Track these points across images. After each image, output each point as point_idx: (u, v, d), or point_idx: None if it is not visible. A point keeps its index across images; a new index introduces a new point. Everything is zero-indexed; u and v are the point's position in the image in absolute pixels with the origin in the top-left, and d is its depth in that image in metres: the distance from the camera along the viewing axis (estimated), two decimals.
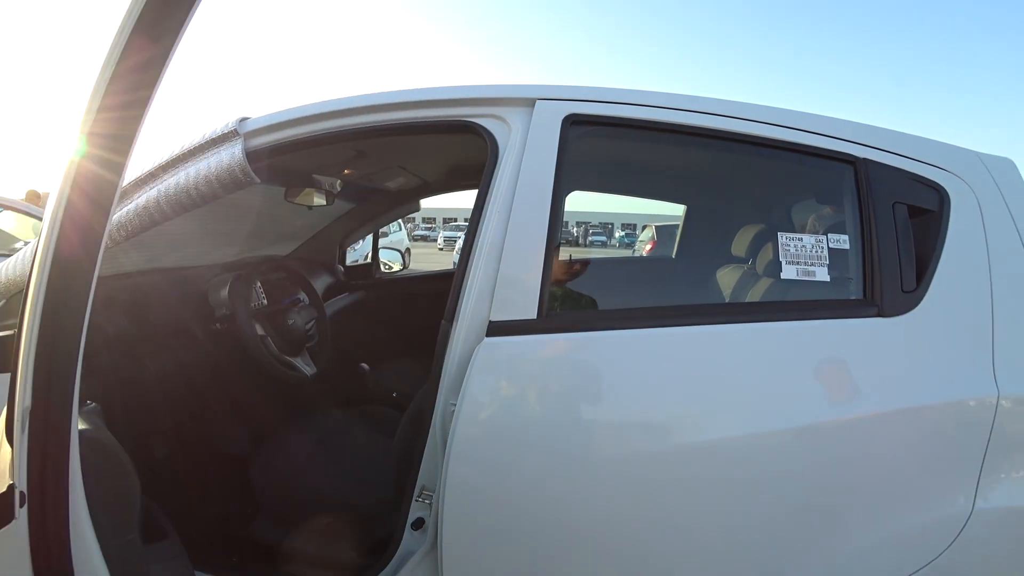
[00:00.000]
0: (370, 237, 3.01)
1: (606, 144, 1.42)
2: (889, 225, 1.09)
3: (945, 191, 1.12)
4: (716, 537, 1.02)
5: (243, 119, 1.20)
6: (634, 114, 1.12)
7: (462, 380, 0.95)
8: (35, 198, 5.19)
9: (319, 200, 2.18)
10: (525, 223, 1.02)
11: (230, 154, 1.12)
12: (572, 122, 1.08)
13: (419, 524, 1.10)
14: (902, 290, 1.06)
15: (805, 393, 1.01)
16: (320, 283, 2.46)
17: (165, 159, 1.19)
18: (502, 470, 0.98)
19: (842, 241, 1.13)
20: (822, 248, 1.14)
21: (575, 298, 1.36)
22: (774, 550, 1.02)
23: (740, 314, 1.20)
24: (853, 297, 1.11)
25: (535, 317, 0.98)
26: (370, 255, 3.13)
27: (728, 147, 1.24)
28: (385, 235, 9.81)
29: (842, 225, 1.19)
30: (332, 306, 2.42)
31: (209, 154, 1.15)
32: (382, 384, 2.19)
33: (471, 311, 1.00)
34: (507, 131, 1.10)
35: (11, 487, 0.54)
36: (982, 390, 1.02)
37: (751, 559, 1.02)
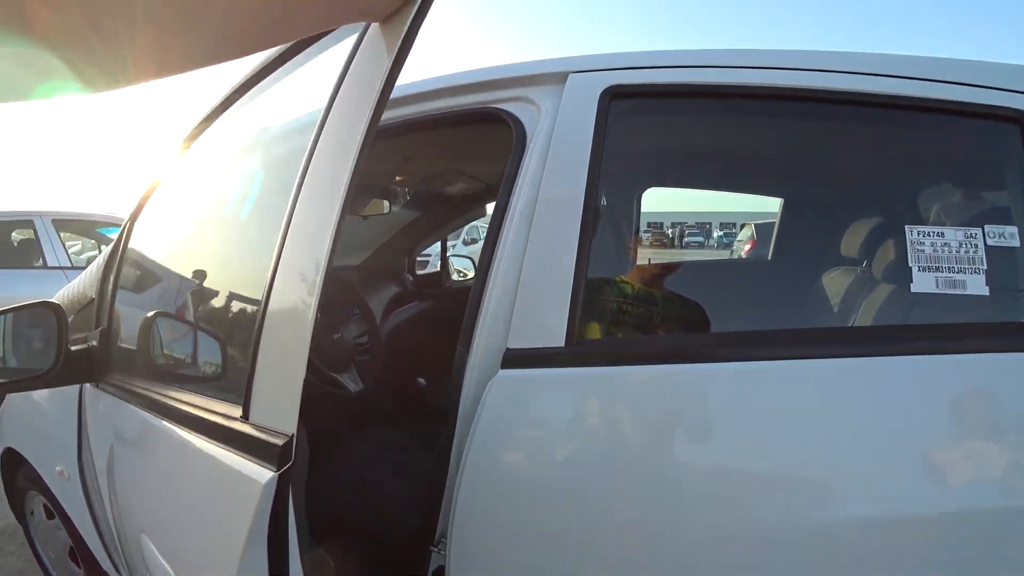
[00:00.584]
0: (460, 244, 3.00)
1: (667, 123, 1.15)
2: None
3: None
4: None
5: None
6: (699, 78, 0.86)
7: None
8: None
9: (378, 210, 2.14)
10: (551, 224, 0.81)
11: None
12: (614, 95, 0.83)
13: (439, 573, 0.95)
14: None
15: (942, 463, 0.68)
16: (386, 293, 2.43)
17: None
18: (510, 535, 0.79)
19: (1008, 236, 0.78)
20: (975, 246, 0.78)
21: (624, 317, 1.06)
22: None
23: (848, 342, 0.86)
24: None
25: (562, 345, 0.76)
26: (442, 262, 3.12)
27: (832, 113, 0.93)
28: (475, 241, 10.00)
29: (1006, 213, 0.84)
30: (397, 317, 2.38)
31: None
32: (442, 399, 2.09)
33: (487, 334, 0.82)
34: (536, 115, 0.91)
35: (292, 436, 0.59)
36: None
37: None
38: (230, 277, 1.06)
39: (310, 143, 0.69)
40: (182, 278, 1.24)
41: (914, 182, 1.17)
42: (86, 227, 4.65)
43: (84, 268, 4.33)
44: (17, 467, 1.68)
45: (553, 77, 0.91)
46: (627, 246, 1.51)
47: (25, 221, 4.10)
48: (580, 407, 0.78)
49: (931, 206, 1.07)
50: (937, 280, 0.75)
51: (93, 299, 1.32)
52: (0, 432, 1.70)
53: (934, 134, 1.01)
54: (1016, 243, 0.78)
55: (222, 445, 0.70)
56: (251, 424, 0.66)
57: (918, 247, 0.78)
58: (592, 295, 0.91)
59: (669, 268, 1.28)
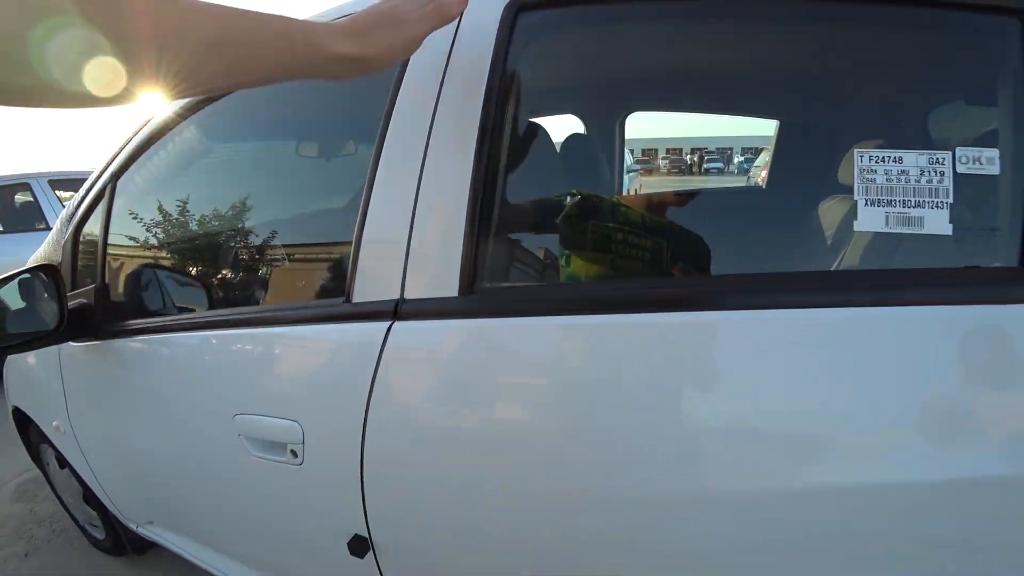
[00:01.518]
0: None
1: (595, 38, 0.97)
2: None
3: None
4: None
5: None
6: None
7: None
8: None
9: None
10: (439, 160, 0.72)
11: None
12: (520, 8, 0.71)
13: None
14: None
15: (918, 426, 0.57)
16: None
17: None
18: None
19: (985, 161, 0.63)
20: (941, 174, 0.63)
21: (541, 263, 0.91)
22: None
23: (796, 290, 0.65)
24: (1001, 264, 0.64)
25: (455, 295, 0.69)
26: None
27: (799, 13, 0.80)
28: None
29: (991, 134, 0.67)
30: None
31: None
32: None
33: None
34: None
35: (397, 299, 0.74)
36: None
37: None
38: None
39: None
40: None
41: (920, 100, 1.00)
42: (80, 185, 4.68)
43: None
44: (28, 423, 1.78)
45: None
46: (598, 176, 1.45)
47: (22, 184, 4.12)
48: (469, 359, 0.72)
49: (940, 132, 0.93)
50: (887, 217, 0.62)
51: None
52: (7, 391, 1.79)
53: (937, 38, 0.87)
54: (997, 170, 0.61)
55: (329, 323, 0.81)
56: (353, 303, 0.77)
57: (867, 176, 0.64)
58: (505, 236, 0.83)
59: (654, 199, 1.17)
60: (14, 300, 1.17)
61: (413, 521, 0.79)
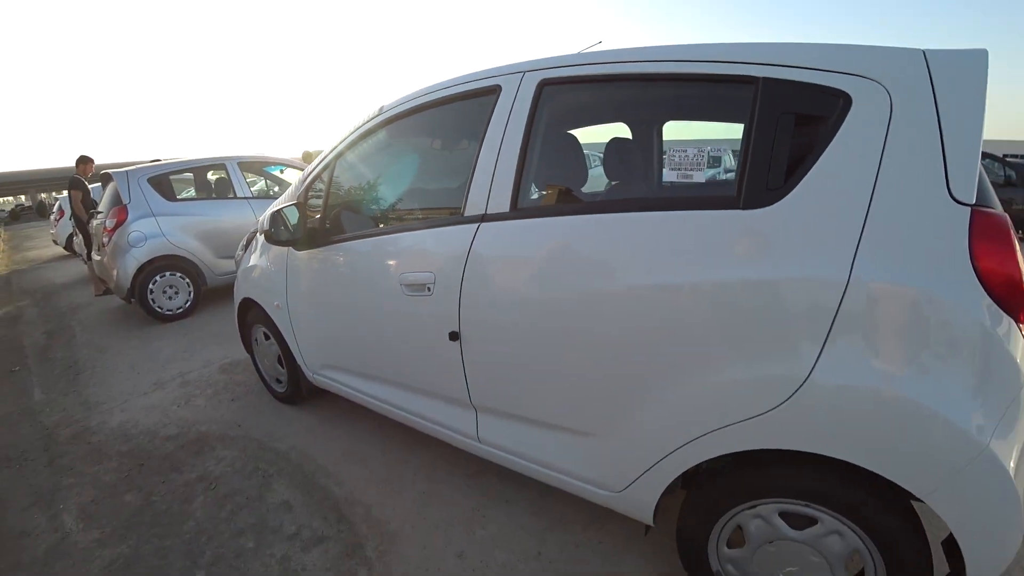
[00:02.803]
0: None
1: (574, 95, 1.86)
2: (767, 134, 1.24)
3: (849, 96, 1.18)
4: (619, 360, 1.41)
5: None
6: (583, 72, 1.52)
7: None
8: (308, 157, 7.24)
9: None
10: (505, 153, 1.59)
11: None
12: (545, 84, 1.57)
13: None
14: (767, 188, 1.22)
15: (680, 260, 1.31)
16: None
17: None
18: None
19: (722, 150, 1.40)
20: (703, 157, 1.43)
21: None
22: (659, 370, 1.35)
23: (634, 206, 1.45)
24: (729, 195, 1.28)
25: (507, 210, 1.55)
26: None
27: (644, 85, 1.57)
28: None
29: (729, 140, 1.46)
30: None
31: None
32: None
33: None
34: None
35: None
36: (834, 275, 1.13)
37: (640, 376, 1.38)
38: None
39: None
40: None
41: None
42: (259, 167, 6.07)
43: (260, 198, 5.73)
44: (247, 311, 2.84)
45: (517, 75, 1.62)
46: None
47: (219, 165, 5.52)
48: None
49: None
50: (677, 175, 1.43)
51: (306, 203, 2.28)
52: (239, 289, 2.86)
53: (713, 92, 1.54)
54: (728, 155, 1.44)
55: (452, 226, 1.68)
56: (463, 216, 1.66)
57: (672, 157, 1.44)
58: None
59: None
60: (287, 221, 2.13)
61: (479, 322, 1.61)
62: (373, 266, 1.95)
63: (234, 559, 1.78)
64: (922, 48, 1.16)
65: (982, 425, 1.07)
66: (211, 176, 5.86)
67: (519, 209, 1.55)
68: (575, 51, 1.61)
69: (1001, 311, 1.06)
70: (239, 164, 5.47)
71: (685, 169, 1.44)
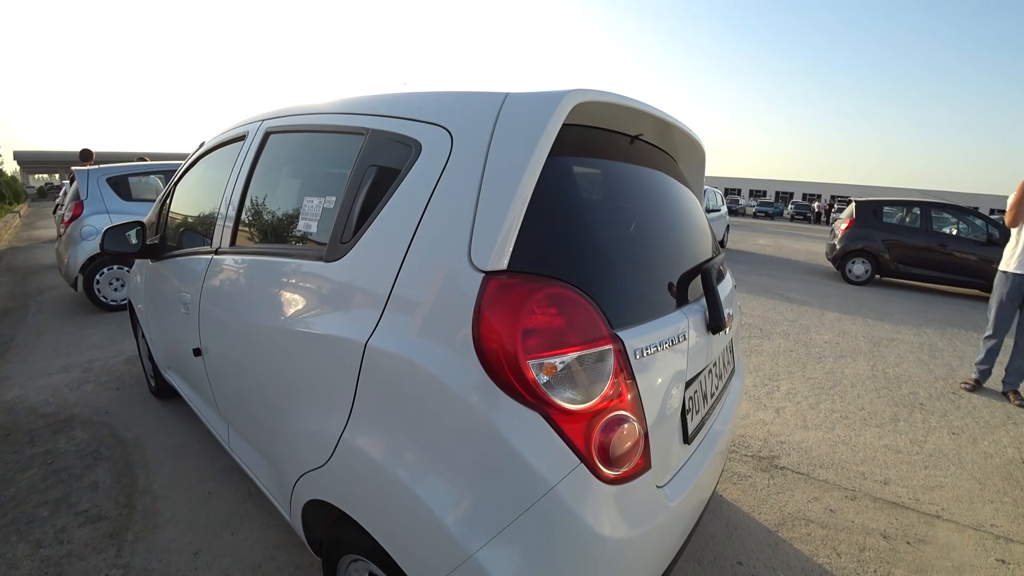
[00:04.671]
0: None
1: (284, 142, 1.77)
2: (354, 187, 1.22)
3: (419, 144, 1.11)
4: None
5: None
6: (287, 123, 1.66)
7: None
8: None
9: None
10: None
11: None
12: (270, 133, 1.75)
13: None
14: (341, 241, 1.21)
15: (282, 306, 1.40)
16: None
17: None
18: None
19: (331, 202, 1.34)
20: (318, 208, 1.40)
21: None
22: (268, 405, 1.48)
23: (257, 245, 1.65)
24: (326, 244, 1.29)
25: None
26: None
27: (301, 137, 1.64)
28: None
29: (341, 186, 1.30)
30: None
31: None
32: None
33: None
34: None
35: None
36: (358, 337, 1.09)
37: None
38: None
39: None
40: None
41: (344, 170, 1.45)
42: None
43: None
44: (133, 308, 3.18)
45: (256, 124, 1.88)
46: None
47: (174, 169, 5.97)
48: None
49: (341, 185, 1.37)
50: (306, 224, 1.42)
51: (154, 221, 2.63)
52: (127, 290, 3.22)
53: (340, 143, 1.42)
54: (333, 207, 1.28)
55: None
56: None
57: (307, 207, 1.43)
58: None
59: None
60: (130, 237, 2.48)
61: (209, 342, 1.85)
62: (171, 284, 2.28)
63: (24, 524, 2.06)
64: (510, 91, 1.05)
65: (471, 531, 0.93)
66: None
67: (235, 245, 1.75)
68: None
69: (507, 396, 0.91)
70: None
71: (309, 219, 1.43)
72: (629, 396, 1.01)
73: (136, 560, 1.88)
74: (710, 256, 1.67)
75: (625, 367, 1.01)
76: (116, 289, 5.21)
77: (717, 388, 1.54)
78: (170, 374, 2.67)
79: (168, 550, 1.92)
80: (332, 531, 1.32)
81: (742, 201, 48.36)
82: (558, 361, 0.93)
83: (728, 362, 1.71)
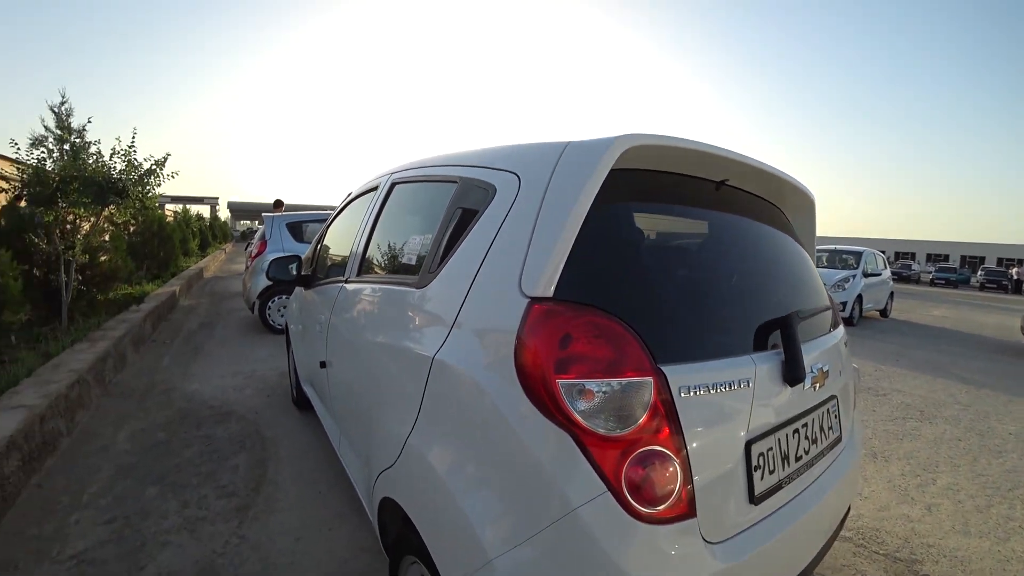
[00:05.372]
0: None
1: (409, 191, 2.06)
2: (445, 225, 1.42)
3: (495, 188, 1.27)
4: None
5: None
6: (410, 175, 1.97)
7: None
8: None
9: None
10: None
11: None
12: (395, 183, 2.08)
13: None
14: (429, 271, 1.41)
15: (382, 325, 1.64)
16: None
17: None
18: None
19: (427, 239, 1.57)
20: (419, 243, 1.65)
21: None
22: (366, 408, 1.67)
23: (373, 275, 1.95)
24: (419, 274, 1.50)
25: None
26: None
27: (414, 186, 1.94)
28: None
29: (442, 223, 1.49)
30: None
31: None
32: None
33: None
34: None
35: None
36: (428, 352, 1.24)
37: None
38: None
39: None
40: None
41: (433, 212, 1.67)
42: None
43: None
44: (289, 329, 3.77)
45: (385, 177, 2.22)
46: None
47: None
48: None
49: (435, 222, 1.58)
50: (408, 256, 1.69)
51: (310, 256, 3.16)
52: (286, 314, 3.83)
53: (448, 191, 1.55)
54: (430, 243, 1.47)
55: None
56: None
57: (410, 243, 1.70)
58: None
59: None
60: (291, 269, 3.01)
61: (333, 357, 2.16)
62: (314, 307, 2.68)
63: (179, 487, 2.52)
64: (572, 140, 1.16)
65: (495, 537, 0.98)
66: None
67: (359, 275, 2.06)
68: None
69: (541, 414, 0.96)
70: None
71: (410, 253, 1.69)
72: (669, 432, 0.99)
73: (251, 534, 2.18)
74: (807, 307, 1.55)
75: (666, 401, 1.00)
76: (282, 315, 6.17)
77: (806, 452, 1.38)
78: (307, 386, 3.10)
79: (277, 532, 2.20)
80: (399, 532, 1.43)
81: (916, 266, 41.75)
82: (593, 386, 0.96)
83: (830, 427, 1.53)
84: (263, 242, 6.15)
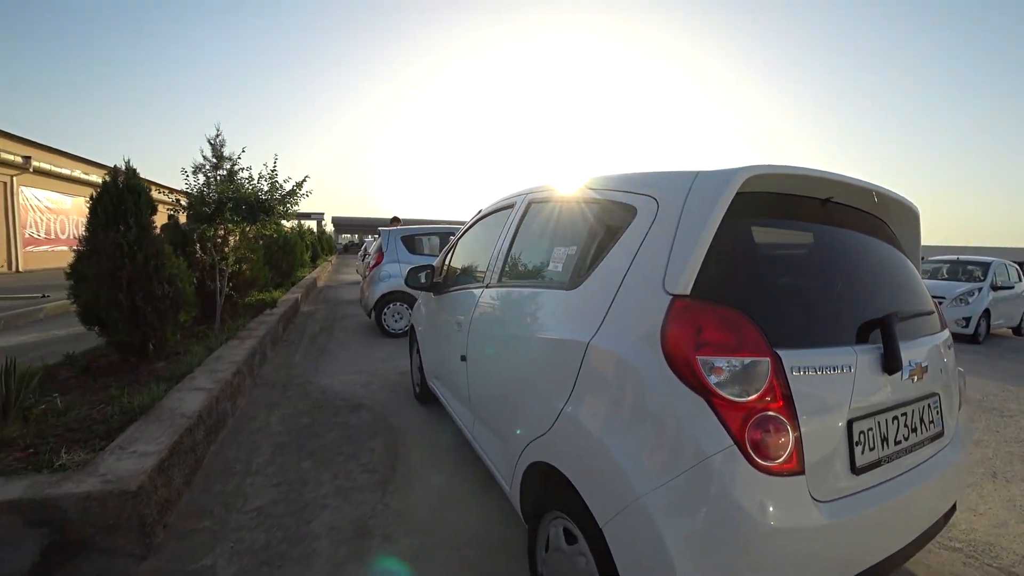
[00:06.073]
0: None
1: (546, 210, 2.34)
2: (591, 238, 1.72)
3: (635, 208, 1.54)
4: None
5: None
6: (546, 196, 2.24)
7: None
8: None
9: None
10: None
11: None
12: (531, 202, 2.35)
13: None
14: (578, 275, 1.68)
15: (532, 321, 1.89)
16: None
17: None
18: None
19: (573, 250, 1.84)
20: (564, 254, 1.89)
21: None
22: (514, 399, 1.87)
23: (517, 280, 2.20)
24: (566, 279, 1.79)
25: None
26: None
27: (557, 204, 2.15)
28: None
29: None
30: None
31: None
32: None
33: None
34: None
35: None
36: (582, 338, 1.48)
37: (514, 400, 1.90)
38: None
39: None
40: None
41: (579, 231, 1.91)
42: None
43: None
44: (415, 331, 4.11)
45: (521, 196, 2.41)
46: None
47: (449, 231, 7.41)
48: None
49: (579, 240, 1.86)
50: (553, 264, 1.92)
51: (439, 265, 3.46)
52: (412, 317, 4.19)
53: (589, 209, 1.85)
54: (575, 254, 1.77)
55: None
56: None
57: (557, 253, 1.93)
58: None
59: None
60: (423, 277, 3.33)
61: (474, 350, 2.38)
62: (447, 310, 2.95)
63: (328, 461, 2.87)
64: (701, 170, 1.42)
65: (643, 479, 1.20)
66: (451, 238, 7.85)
67: (500, 281, 2.33)
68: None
69: (682, 384, 1.20)
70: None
71: (556, 262, 1.94)
72: (783, 402, 1.21)
73: (394, 503, 2.47)
74: (907, 309, 1.68)
75: (780, 377, 1.22)
76: (396, 320, 6.68)
77: (905, 438, 1.50)
78: (434, 382, 3.40)
79: (416, 503, 2.48)
80: (541, 494, 1.67)
81: None
82: (723, 363, 1.21)
83: (931, 420, 1.62)
84: (380, 254, 6.71)
